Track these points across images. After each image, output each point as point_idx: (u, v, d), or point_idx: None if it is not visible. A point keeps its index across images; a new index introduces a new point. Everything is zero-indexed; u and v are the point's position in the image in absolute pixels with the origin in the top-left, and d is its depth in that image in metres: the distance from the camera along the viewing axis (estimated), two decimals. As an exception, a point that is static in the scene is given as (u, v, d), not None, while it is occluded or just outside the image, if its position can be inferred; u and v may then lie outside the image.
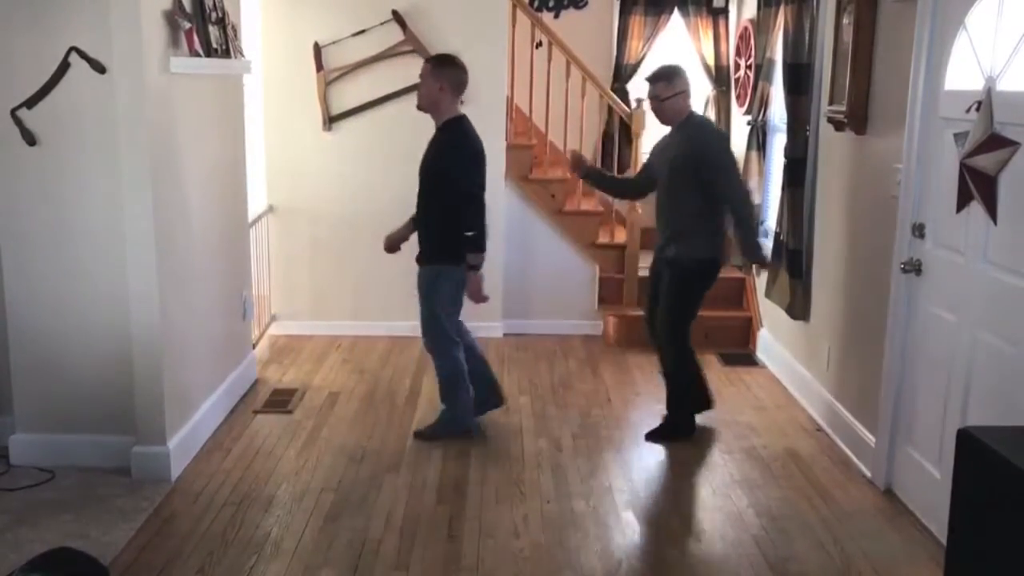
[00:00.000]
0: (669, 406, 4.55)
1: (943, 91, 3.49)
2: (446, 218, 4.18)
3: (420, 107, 4.23)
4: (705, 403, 4.62)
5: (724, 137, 4.42)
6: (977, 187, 3.17)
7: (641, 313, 6.02)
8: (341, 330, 6.08)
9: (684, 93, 4.32)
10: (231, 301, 4.82)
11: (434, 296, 4.27)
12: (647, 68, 6.70)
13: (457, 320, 4.40)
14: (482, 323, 6.09)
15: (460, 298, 4.32)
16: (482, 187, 4.24)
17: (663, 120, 4.40)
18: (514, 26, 5.99)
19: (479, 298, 4.27)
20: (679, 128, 4.36)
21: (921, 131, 3.63)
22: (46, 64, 3.64)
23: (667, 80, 4.30)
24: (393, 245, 4.49)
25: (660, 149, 4.47)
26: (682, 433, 4.48)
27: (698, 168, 4.23)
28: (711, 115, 6.87)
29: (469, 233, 4.13)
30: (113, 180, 3.72)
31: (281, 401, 4.88)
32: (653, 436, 4.47)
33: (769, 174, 5.75)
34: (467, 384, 4.40)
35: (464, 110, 5.96)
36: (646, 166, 4.65)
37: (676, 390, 4.52)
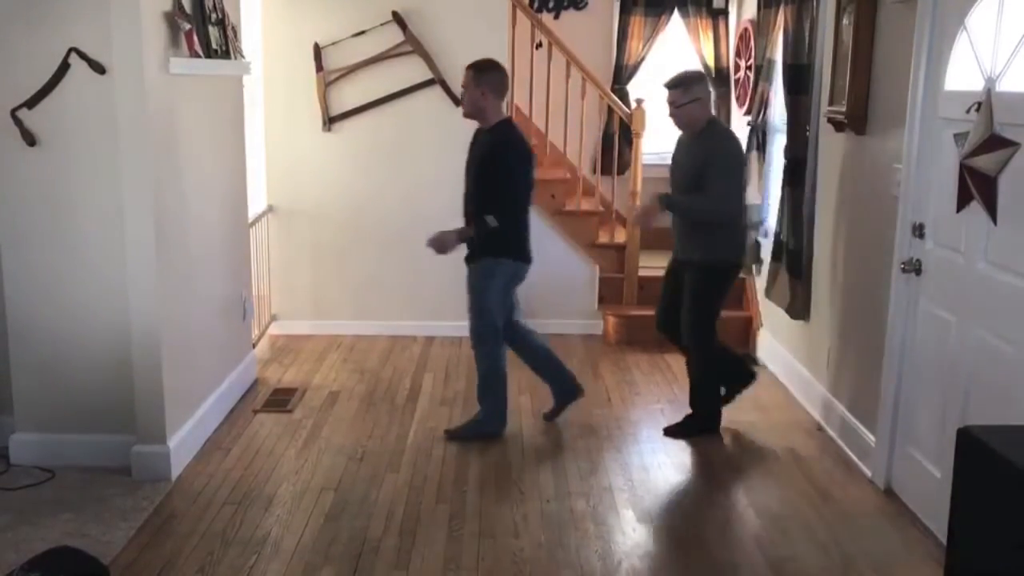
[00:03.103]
0: (692, 403, 4.55)
1: (943, 91, 3.49)
2: (497, 214, 4.22)
3: (467, 114, 4.33)
4: (749, 376, 4.68)
5: (739, 148, 4.39)
6: (977, 187, 3.17)
7: (641, 313, 6.06)
8: (341, 330, 6.08)
9: (700, 101, 4.28)
10: (231, 301, 4.82)
11: (485, 290, 4.31)
12: (647, 69, 6.75)
13: (514, 319, 4.48)
14: (482, 323, 6.11)
15: (511, 294, 4.42)
16: (529, 186, 4.38)
17: (679, 126, 4.38)
18: (514, 27, 5.99)
19: (435, 244, 4.28)
20: (698, 135, 4.30)
21: (921, 131, 3.63)
22: (46, 64, 3.64)
23: (684, 87, 4.25)
24: (447, 247, 4.34)
25: (679, 154, 4.45)
26: (707, 429, 4.50)
27: (702, 174, 4.22)
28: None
29: (494, 223, 4.19)
30: (113, 180, 3.72)
31: (281, 401, 4.88)
32: (673, 431, 4.49)
33: (769, 174, 5.75)
34: (504, 385, 4.45)
35: (464, 110, 5.97)
36: (670, 171, 4.53)
37: (703, 390, 4.52)
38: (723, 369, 4.60)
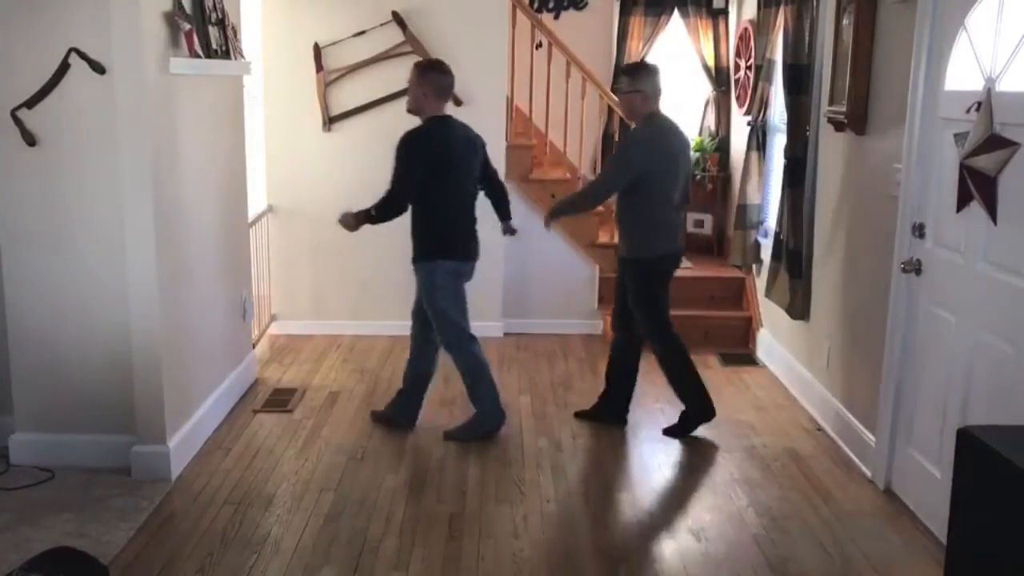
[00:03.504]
0: (682, 398, 4.54)
1: (943, 91, 3.49)
2: (419, 213, 4.31)
3: (409, 110, 4.39)
4: (710, 412, 4.53)
5: (650, 145, 4.31)
6: (977, 187, 3.17)
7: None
8: (341, 330, 6.08)
9: (642, 94, 4.29)
10: (231, 301, 4.82)
11: (432, 294, 4.30)
12: (647, 68, 6.76)
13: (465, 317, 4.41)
14: (482, 323, 6.10)
15: (460, 290, 4.38)
16: (458, 182, 4.31)
17: (622, 112, 4.51)
18: (514, 26, 5.99)
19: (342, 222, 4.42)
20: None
21: (921, 131, 3.63)
22: (46, 64, 3.64)
23: (631, 76, 4.36)
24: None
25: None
26: (704, 419, 4.49)
27: None
28: (711, 116, 6.89)
29: (373, 213, 4.28)
30: (113, 180, 3.72)
31: (281, 401, 4.88)
32: (673, 432, 4.49)
33: (769, 174, 5.76)
34: (489, 378, 4.42)
35: (464, 110, 5.98)
36: None
37: (679, 381, 4.49)
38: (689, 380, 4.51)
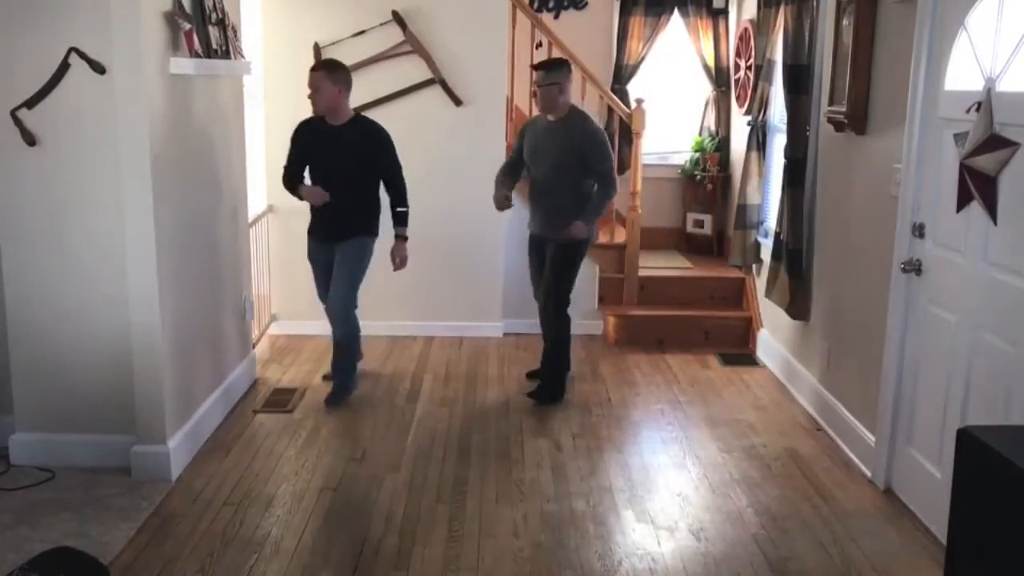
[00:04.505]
0: (546, 367, 4.98)
1: (943, 91, 3.49)
2: (371, 197, 4.82)
3: (319, 112, 4.62)
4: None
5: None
6: (977, 187, 3.17)
7: (641, 313, 6.07)
8: (341, 330, 6.08)
9: (559, 86, 4.65)
10: (231, 301, 4.82)
11: (359, 266, 4.77)
12: (647, 69, 6.76)
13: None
14: (482, 323, 6.11)
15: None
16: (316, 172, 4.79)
17: (539, 106, 4.78)
18: (514, 26, 5.99)
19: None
20: (564, 120, 4.71)
21: (921, 131, 3.63)
22: (46, 64, 3.64)
23: (546, 71, 4.69)
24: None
25: (538, 139, 4.79)
26: (557, 396, 4.92)
27: (587, 156, 4.66)
28: (711, 116, 6.89)
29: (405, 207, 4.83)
30: (113, 180, 3.72)
31: (281, 401, 4.88)
32: (534, 396, 4.91)
33: (769, 174, 5.76)
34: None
35: (464, 110, 6.00)
36: (529, 154, 4.86)
37: (556, 355, 4.96)
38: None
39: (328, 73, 4.53)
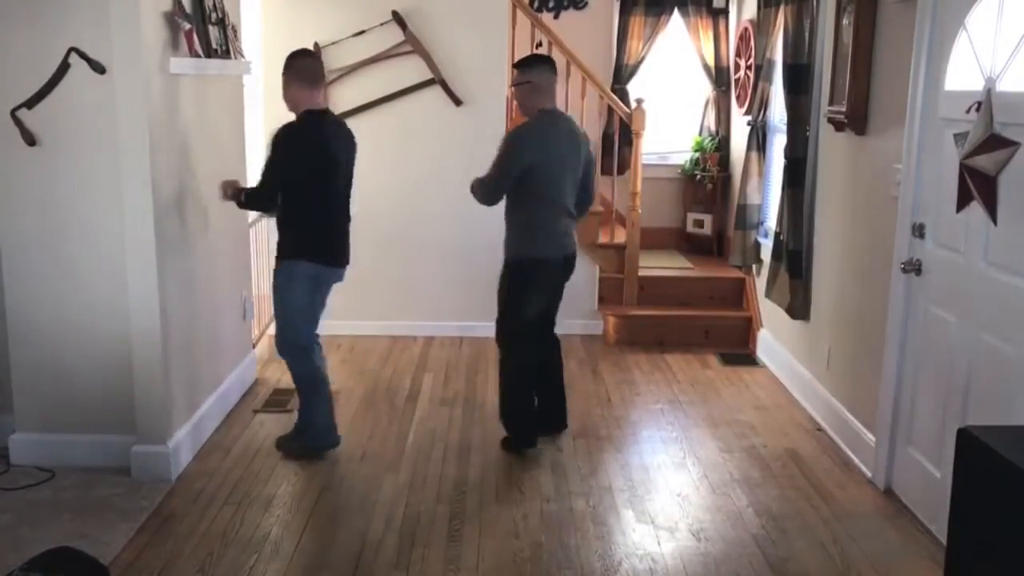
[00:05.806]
0: (503, 415, 4.30)
1: (943, 91, 3.49)
2: (282, 210, 4.00)
3: (290, 109, 4.06)
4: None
5: (525, 140, 4.08)
6: (977, 187, 3.17)
7: (641, 313, 6.07)
8: (341, 330, 6.07)
9: (531, 84, 4.08)
10: (231, 301, 4.82)
11: (284, 296, 4.04)
12: (647, 69, 6.76)
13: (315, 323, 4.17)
14: (482, 323, 6.10)
15: (319, 301, 4.16)
16: (328, 182, 3.99)
17: (517, 106, 4.32)
18: (514, 26, 5.99)
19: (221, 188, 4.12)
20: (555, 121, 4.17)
21: (921, 131, 3.63)
22: (46, 64, 3.64)
23: (520, 69, 4.17)
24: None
25: (563, 146, 4.19)
26: (524, 445, 4.27)
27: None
28: (711, 116, 6.89)
29: (243, 198, 4.04)
30: (113, 180, 3.72)
31: (281, 401, 4.88)
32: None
33: (769, 174, 5.76)
34: (323, 399, 4.16)
35: (464, 110, 5.98)
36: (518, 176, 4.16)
37: (508, 394, 4.30)
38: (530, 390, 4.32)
39: (284, 68, 4.03)
